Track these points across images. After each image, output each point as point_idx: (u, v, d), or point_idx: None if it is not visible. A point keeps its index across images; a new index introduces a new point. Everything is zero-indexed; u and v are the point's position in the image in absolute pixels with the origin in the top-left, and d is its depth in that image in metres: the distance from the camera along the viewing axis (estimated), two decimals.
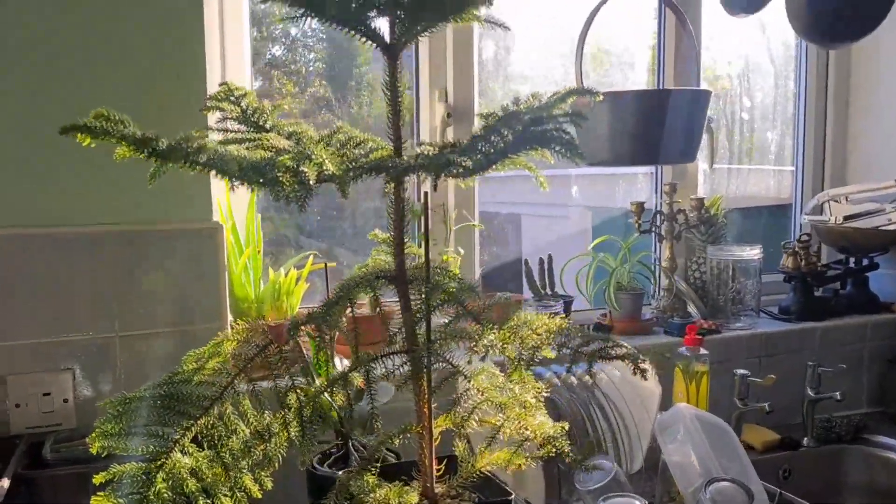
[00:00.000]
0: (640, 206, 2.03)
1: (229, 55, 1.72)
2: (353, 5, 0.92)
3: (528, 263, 1.97)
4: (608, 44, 2.32)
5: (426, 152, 0.86)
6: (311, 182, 0.81)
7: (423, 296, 1.01)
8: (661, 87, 2.12)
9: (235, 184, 0.79)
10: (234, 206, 1.62)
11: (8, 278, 1.35)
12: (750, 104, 2.36)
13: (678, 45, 2.15)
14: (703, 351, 1.74)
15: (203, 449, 0.95)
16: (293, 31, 2.08)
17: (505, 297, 1.94)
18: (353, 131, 1.18)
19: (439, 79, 1.92)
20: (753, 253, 2.05)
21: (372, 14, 0.94)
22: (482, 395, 0.99)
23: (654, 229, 2.06)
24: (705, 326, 1.97)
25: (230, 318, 1.63)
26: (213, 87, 1.51)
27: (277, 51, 2.10)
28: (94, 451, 0.91)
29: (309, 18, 0.93)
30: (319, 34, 2.10)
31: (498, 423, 1.00)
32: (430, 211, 1.14)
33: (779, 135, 2.41)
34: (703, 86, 2.11)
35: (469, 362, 1.00)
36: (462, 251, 1.90)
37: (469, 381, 1.00)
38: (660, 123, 1.67)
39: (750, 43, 2.37)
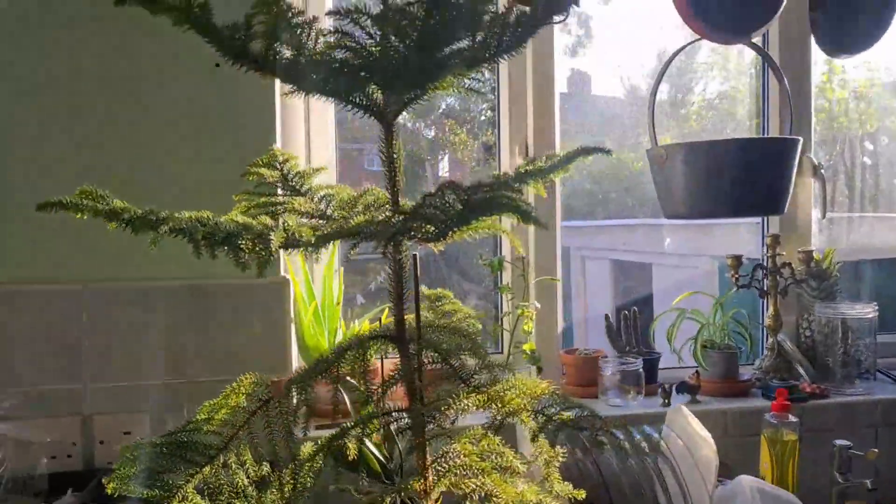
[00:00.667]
0: (738, 260, 1.92)
1: (314, 121, 1.84)
2: (343, 81, 0.97)
3: (608, 318, 1.91)
4: (710, 91, 2.23)
5: (381, 218, 0.88)
6: (273, 249, 0.86)
7: (414, 354, 1.02)
8: (743, 137, 2.00)
9: (202, 249, 0.85)
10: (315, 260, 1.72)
11: (94, 327, 1.51)
12: (873, 148, 2.17)
13: (781, 90, 2.03)
14: (791, 418, 1.60)
15: (205, 497, 1.01)
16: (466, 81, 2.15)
17: (584, 352, 1.90)
18: (380, 193, 1.22)
19: (520, 132, 1.93)
20: (866, 310, 1.86)
21: (359, 89, 0.99)
22: (462, 458, 0.98)
23: (753, 284, 1.94)
24: (808, 390, 1.81)
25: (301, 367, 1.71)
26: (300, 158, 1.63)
27: (451, 100, 2.20)
28: (108, 491, 1.00)
29: (301, 94, 1.00)
30: (492, 84, 2.19)
31: (466, 490, 0.99)
32: (419, 271, 1.14)
33: None
34: (815, 128, 1.98)
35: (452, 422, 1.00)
36: (538, 305, 1.88)
37: (453, 443, 0.99)
38: (735, 175, 1.58)
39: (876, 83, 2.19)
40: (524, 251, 1.92)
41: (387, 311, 1.80)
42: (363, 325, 1.75)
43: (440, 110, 2.18)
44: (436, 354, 1.02)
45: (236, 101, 1.56)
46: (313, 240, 0.89)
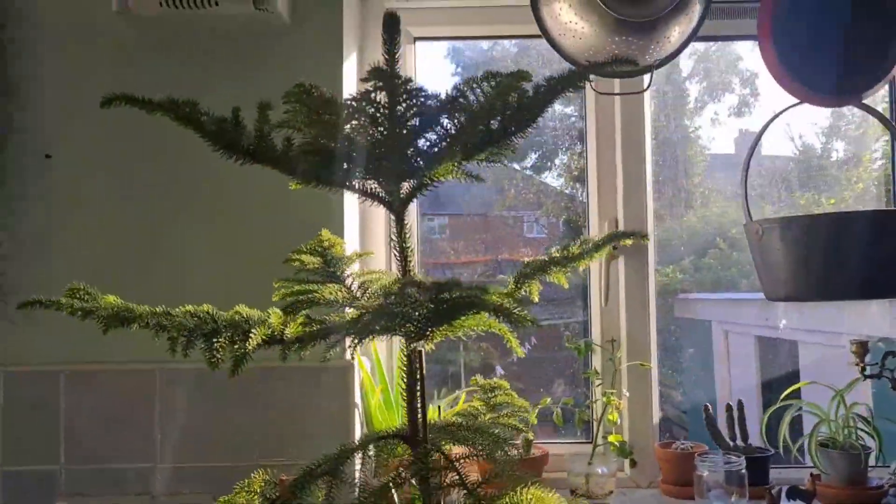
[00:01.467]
0: (863, 347, 1.68)
1: None
2: (356, 174, 0.95)
3: (708, 409, 1.73)
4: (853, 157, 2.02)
5: (351, 314, 0.83)
6: (249, 348, 0.83)
7: (417, 459, 0.95)
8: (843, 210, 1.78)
9: (178, 345, 0.83)
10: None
11: (165, 407, 1.55)
12: None
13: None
14: None
15: None
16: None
17: (681, 446, 1.72)
18: (422, 280, 1.18)
19: (609, 208, 1.83)
20: None
21: (371, 180, 0.96)
22: None
23: (883, 373, 1.69)
24: None
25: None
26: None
27: None
28: None
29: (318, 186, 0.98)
30: (654, 146, 2.14)
31: None
32: (423, 366, 1.07)
33: None
34: None
35: None
36: (627, 393, 1.74)
37: None
38: (836, 252, 1.40)
39: None
40: (611, 335, 1.79)
41: (463, 395, 1.73)
42: (440, 411, 1.69)
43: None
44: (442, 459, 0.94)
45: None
46: (298, 337, 0.86)
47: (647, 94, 1.81)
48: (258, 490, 1.03)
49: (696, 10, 1.57)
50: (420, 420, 0.98)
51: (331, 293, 1.16)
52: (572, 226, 2.15)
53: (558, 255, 1.01)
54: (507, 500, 0.89)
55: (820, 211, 2.06)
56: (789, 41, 1.52)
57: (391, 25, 0.95)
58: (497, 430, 1.06)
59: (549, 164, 2.28)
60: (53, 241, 1.58)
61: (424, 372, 0.97)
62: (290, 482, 0.95)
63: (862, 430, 1.67)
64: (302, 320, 1.04)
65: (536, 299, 0.96)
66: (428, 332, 0.81)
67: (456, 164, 0.91)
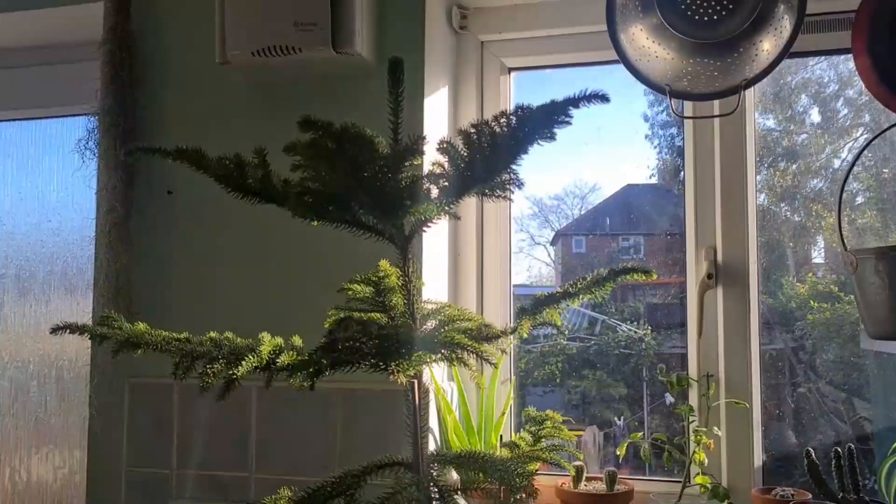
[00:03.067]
0: None
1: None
2: (354, 211, 1.01)
3: (811, 455, 1.58)
4: None
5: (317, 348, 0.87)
6: (237, 375, 0.91)
7: (415, 486, 0.98)
8: None
9: (179, 369, 0.93)
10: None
11: (260, 420, 1.68)
12: None
13: None
14: None
15: None
16: (836, 161, 2.00)
17: (781, 494, 1.59)
18: (454, 311, 1.21)
19: (707, 233, 1.74)
20: None
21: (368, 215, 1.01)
22: None
23: None
24: None
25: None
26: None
27: (819, 183, 2.03)
28: None
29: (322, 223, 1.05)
30: (870, 161, 1.97)
31: None
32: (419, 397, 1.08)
33: None
34: None
35: None
36: (719, 432, 1.64)
37: None
38: None
39: None
40: (707, 369, 1.69)
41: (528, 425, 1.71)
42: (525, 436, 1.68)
43: (807, 192, 2.00)
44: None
45: None
46: (288, 365, 0.92)
47: (750, 115, 1.71)
48: None
49: (786, 24, 1.47)
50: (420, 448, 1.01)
51: (363, 322, 1.22)
52: (770, 242, 1.98)
53: (561, 290, 1.00)
54: None
55: None
56: (887, 50, 1.38)
57: (395, 69, 1.00)
58: (509, 465, 1.06)
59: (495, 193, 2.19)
60: (172, 267, 1.78)
61: (419, 401, 1.00)
62: (296, 500, 1.01)
63: None
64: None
65: (525, 335, 0.95)
66: (386, 366, 0.83)
67: (443, 203, 0.94)
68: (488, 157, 0.88)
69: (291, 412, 1.67)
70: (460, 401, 1.70)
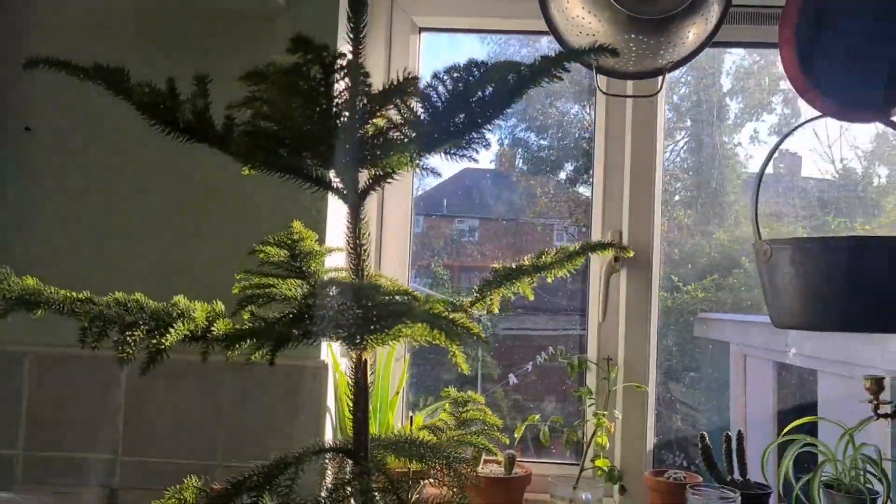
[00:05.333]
0: (878, 384, 1.56)
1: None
2: (306, 160, 0.87)
3: (705, 439, 1.62)
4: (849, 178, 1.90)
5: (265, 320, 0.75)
6: (166, 345, 0.75)
7: (358, 479, 0.86)
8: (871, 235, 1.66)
9: (88, 336, 0.76)
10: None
11: (132, 398, 1.48)
12: None
13: None
14: None
15: None
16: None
17: (673, 476, 1.61)
18: (384, 280, 1.10)
19: (614, 219, 1.72)
20: None
21: (320, 166, 0.88)
22: None
23: None
24: None
25: None
26: None
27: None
28: None
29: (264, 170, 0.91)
30: (688, 162, 2.08)
31: None
32: (368, 376, 0.98)
33: None
34: None
35: None
36: (619, 415, 1.63)
37: None
38: (850, 280, 1.29)
39: None
40: (608, 352, 1.69)
41: (448, 406, 1.64)
42: (416, 420, 1.60)
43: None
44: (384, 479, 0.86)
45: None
46: (224, 335, 0.78)
47: (661, 100, 1.71)
48: (189, 498, 0.95)
49: (714, 12, 1.47)
50: (362, 434, 0.90)
51: (289, 289, 1.09)
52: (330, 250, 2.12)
53: (529, 263, 0.92)
54: None
55: (838, 234, 1.94)
56: (813, 50, 1.41)
57: (357, 4, 0.87)
58: (449, 451, 0.97)
59: (584, 175, 2.23)
60: (34, 214, 1.53)
61: (369, 381, 0.89)
62: (218, 492, 0.87)
63: (871, 472, 1.54)
64: (247, 317, 0.96)
65: (496, 310, 0.87)
66: (360, 340, 0.72)
67: (414, 155, 0.83)
68: (471, 109, 0.78)
69: (170, 388, 1.49)
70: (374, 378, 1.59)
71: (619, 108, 1.73)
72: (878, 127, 2.39)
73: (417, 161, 0.83)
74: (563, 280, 2.07)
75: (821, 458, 1.56)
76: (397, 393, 1.65)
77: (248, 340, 0.77)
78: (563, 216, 2.17)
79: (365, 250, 0.90)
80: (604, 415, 1.61)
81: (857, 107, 1.42)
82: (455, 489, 0.88)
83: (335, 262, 1.27)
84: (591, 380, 1.71)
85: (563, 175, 2.21)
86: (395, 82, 0.74)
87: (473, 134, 0.83)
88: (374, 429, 1.60)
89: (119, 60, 1.49)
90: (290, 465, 0.88)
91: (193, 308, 0.80)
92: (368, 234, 0.91)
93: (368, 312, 0.68)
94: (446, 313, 0.67)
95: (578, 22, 1.48)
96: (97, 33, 1.54)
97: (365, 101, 0.73)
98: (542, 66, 0.79)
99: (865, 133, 2.34)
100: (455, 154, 0.87)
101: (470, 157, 0.90)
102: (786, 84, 2.32)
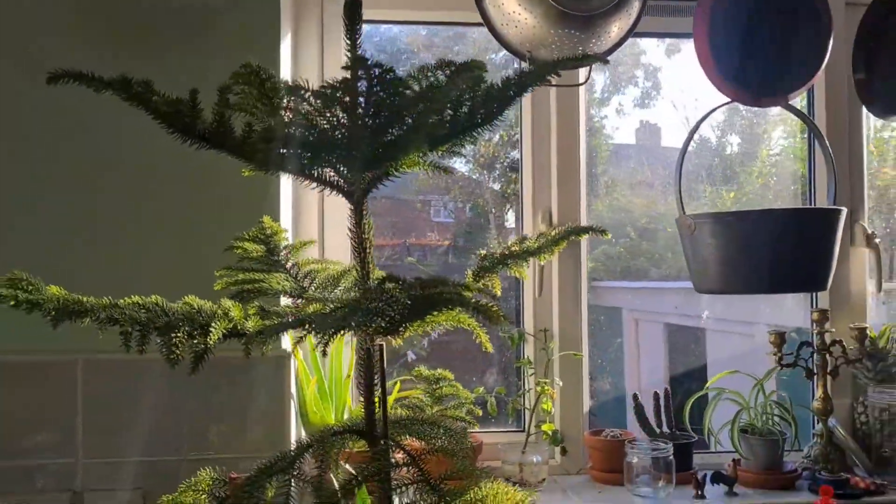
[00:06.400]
0: (781, 337, 1.76)
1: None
2: (308, 160, 0.91)
3: (637, 398, 1.78)
4: (748, 152, 2.11)
5: (319, 309, 0.80)
6: (211, 342, 0.79)
7: (373, 457, 0.93)
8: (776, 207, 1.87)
9: (133, 341, 0.78)
10: None
11: (89, 400, 1.46)
12: None
13: (826, 155, 1.88)
14: None
15: None
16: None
17: (610, 434, 1.76)
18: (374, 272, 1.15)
19: (543, 199, 1.84)
20: None
21: (324, 166, 0.93)
22: None
23: (798, 363, 1.78)
24: (862, 486, 1.63)
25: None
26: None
27: (516, 153, 2.10)
28: None
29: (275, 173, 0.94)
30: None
31: None
32: (385, 359, 1.06)
33: None
34: (870, 196, 1.84)
35: None
36: (560, 382, 1.76)
37: None
38: (767, 249, 1.46)
39: None
40: (544, 324, 1.81)
41: (398, 384, 1.71)
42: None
43: (506, 163, 2.14)
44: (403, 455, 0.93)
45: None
46: (258, 330, 0.82)
47: (581, 87, 1.83)
48: (206, 489, 0.98)
49: (635, 8, 1.60)
50: (380, 415, 0.96)
51: (277, 283, 1.13)
52: (479, 211, 2.18)
53: (517, 248, 1.00)
54: (472, 495, 0.88)
55: (739, 207, 2.14)
56: (724, 41, 1.56)
57: (353, 10, 0.92)
58: (448, 426, 1.05)
59: (458, 150, 2.30)
60: None
61: (385, 364, 0.95)
62: (243, 480, 0.91)
63: (779, 416, 1.75)
64: (254, 311, 1.00)
65: (499, 293, 0.95)
66: (401, 329, 0.79)
67: (421, 154, 0.89)
68: (485, 105, 0.85)
69: (123, 388, 1.48)
70: (315, 367, 1.64)
71: (543, 96, 1.84)
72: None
73: (425, 159, 0.90)
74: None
75: (721, 408, 1.75)
76: (348, 376, 1.70)
77: (293, 332, 0.81)
78: (441, 192, 2.26)
79: (370, 244, 0.96)
80: (546, 382, 1.73)
81: (763, 94, 1.59)
82: (467, 461, 0.96)
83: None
84: (528, 351, 1.83)
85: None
86: (423, 87, 0.80)
87: (476, 130, 0.90)
88: (330, 413, 1.65)
89: (58, 54, 1.47)
90: (311, 448, 0.93)
91: (225, 307, 0.84)
92: (372, 230, 0.96)
93: (419, 302, 0.74)
94: (485, 301, 0.75)
95: (513, 17, 1.57)
96: (34, 25, 1.49)
97: (389, 111, 0.79)
98: (537, 72, 0.87)
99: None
100: (452, 152, 0.94)
101: (460, 154, 0.98)
102: (646, 58, 2.51)
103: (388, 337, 0.82)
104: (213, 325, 0.80)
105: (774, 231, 1.46)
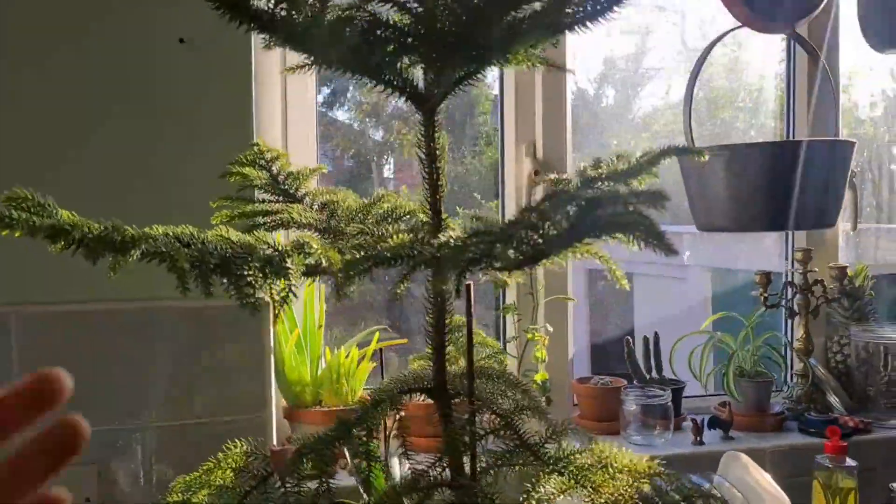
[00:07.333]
0: (767, 277, 1.72)
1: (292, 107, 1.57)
2: (374, 52, 0.72)
3: (629, 343, 1.69)
4: (726, 86, 2.05)
5: (451, 239, 0.63)
6: (294, 280, 0.60)
7: (467, 421, 0.77)
8: (790, 139, 1.81)
9: (189, 282, 0.58)
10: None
11: (28, 358, 1.21)
12: None
13: (811, 88, 1.83)
14: (850, 462, 1.39)
15: None
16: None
17: (601, 381, 1.67)
18: (399, 201, 0.97)
19: (527, 131, 1.69)
20: None
21: (399, 62, 0.74)
22: None
23: (783, 303, 1.74)
24: (851, 425, 1.62)
25: (283, 404, 1.45)
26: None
27: (399, 102, 2.02)
28: None
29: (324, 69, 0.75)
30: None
31: None
32: (473, 303, 0.90)
33: None
34: (843, 134, 1.80)
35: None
36: (551, 328, 1.65)
37: None
38: (789, 182, 1.38)
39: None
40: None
41: (378, 335, 1.54)
42: (352, 352, 1.49)
43: (388, 111, 2.01)
44: (495, 417, 0.77)
45: (206, 83, 1.29)
46: (346, 267, 0.63)
47: None
48: (235, 465, 0.79)
49: None
50: (461, 369, 0.80)
51: (299, 215, 0.94)
52: (360, 160, 2.11)
53: (605, 170, 0.85)
54: (584, 461, 0.74)
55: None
56: None
57: None
58: (521, 379, 0.91)
59: (341, 98, 2.16)
60: None
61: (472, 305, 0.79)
62: (295, 451, 0.73)
63: (769, 359, 1.71)
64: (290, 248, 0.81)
65: None
66: (539, 262, 0.62)
67: (532, 45, 0.72)
68: None
69: (72, 345, 1.24)
70: (290, 319, 1.44)
71: None
72: (609, 51, 2.61)
73: (533, 52, 0.73)
74: (474, 198, 2.04)
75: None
76: (320, 327, 1.52)
77: (370, 268, 0.63)
78: (321, 140, 2.11)
79: (444, 163, 0.78)
80: (535, 329, 1.61)
81: (769, 17, 1.50)
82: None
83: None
84: (510, 297, 1.70)
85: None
86: None
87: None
88: (306, 367, 1.47)
89: None
90: (380, 405, 0.76)
91: (302, 240, 0.64)
92: (446, 149, 0.79)
93: (581, 226, 0.58)
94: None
95: None
96: None
97: None
98: None
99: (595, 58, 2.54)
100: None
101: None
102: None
103: (505, 273, 0.66)
104: (288, 260, 0.61)
105: (793, 164, 1.38)
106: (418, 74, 0.75)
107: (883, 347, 1.70)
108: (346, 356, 1.49)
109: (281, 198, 1.00)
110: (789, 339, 1.81)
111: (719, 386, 1.72)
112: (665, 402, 1.56)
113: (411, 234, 0.74)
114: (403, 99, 0.76)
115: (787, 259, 1.90)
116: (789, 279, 1.76)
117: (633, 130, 2.38)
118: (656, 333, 1.72)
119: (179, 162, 1.27)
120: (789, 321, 1.79)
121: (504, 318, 1.71)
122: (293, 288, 0.59)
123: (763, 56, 1.96)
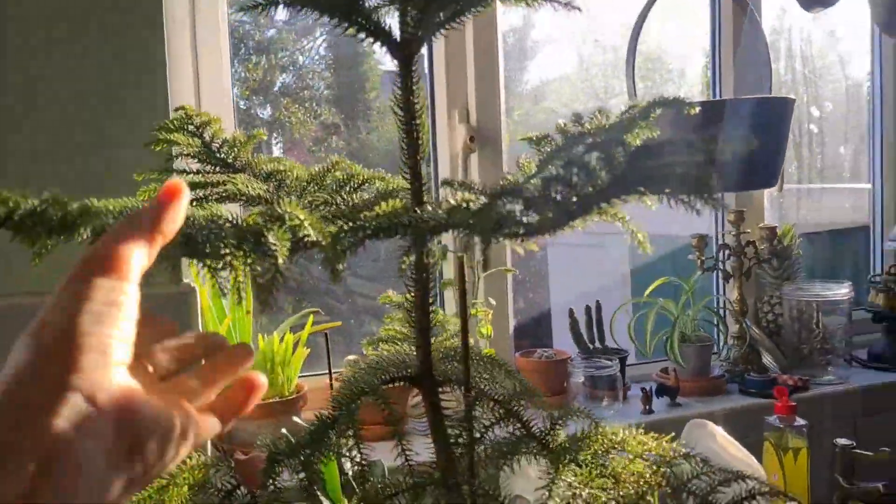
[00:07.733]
0: (703, 240, 1.70)
1: (204, 76, 1.42)
2: None
3: (573, 313, 1.64)
4: (651, 50, 2.02)
5: (462, 201, 0.54)
6: (281, 261, 0.49)
7: (464, 414, 0.68)
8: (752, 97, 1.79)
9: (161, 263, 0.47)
10: None
11: None
12: (819, 114, 2.04)
13: (735, 48, 1.82)
14: (799, 421, 1.39)
15: None
16: (301, 58, 1.94)
17: (545, 354, 1.61)
18: (354, 167, 0.86)
19: (459, 95, 1.60)
20: (842, 292, 1.71)
21: (375, 4, 0.63)
22: None
23: (717, 266, 1.73)
24: (791, 383, 1.63)
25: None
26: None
27: (287, 78, 1.95)
28: None
29: (297, 9, 0.63)
30: (329, 60, 1.90)
31: None
32: (464, 268, 0.81)
33: (853, 149, 2.08)
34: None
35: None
36: (494, 302, 1.58)
37: None
38: (737, 141, 1.34)
39: (815, 44, 2.05)
40: None
41: (312, 318, 1.43)
42: (286, 338, 1.37)
43: (276, 88, 1.88)
44: (497, 407, 0.69)
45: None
46: (334, 240, 0.53)
47: None
48: (192, 479, 0.67)
49: None
50: (443, 355, 0.71)
51: (244, 185, 0.82)
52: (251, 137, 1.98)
53: (591, 125, 0.78)
54: (597, 447, 0.67)
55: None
56: None
57: None
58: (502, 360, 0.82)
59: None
60: None
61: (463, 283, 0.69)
62: (266, 459, 0.62)
63: (707, 321, 1.70)
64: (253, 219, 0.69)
65: None
66: (561, 227, 0.54)
67: None
68: None
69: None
70: (216, 304, 1.31)
71: None
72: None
73: None
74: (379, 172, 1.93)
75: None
76: (248, 311, 1.39)
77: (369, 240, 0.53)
78: None
79: (425, 121, 0.68)
80: (478, 303, 1.53)
81: None
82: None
83: None
84: (447, 271, 1.61)
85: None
86: None
87: None
88: (234, 336, 1.33)
89: None
90: (366, 394, 0.66)
91: (283, 210, 0.53)
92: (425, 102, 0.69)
93: (622, 180, 0.50)
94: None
95: None
96: None
97: None
98: None
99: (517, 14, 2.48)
100: None
101: None
102: None
103: (522, 240, 0.57)
104: (267, 235, 0.49)
105: (745, 122, 1.35)
106: (393, 16, 0.65)
107: (816, 305, 1.72)
108: (280, 342, 1.37)
109: (218, 167, 0.88)
110: (723, 302, 1.81)
111: (660, 352, 1.70)
112: (613, 372, 1.52)
113: (399, 201, 0.64)
114: (378, 44, 0.66)
115: (717, 222, 1.90)
116: (723, 241, 1.76)
117: (528, 102, 2.32)
118: (598, 303, 1.67)
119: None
120: (725, 283, 1.78)
121: (442, 293, 1.62)
122: (279, 272, 0.48)
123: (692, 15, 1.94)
